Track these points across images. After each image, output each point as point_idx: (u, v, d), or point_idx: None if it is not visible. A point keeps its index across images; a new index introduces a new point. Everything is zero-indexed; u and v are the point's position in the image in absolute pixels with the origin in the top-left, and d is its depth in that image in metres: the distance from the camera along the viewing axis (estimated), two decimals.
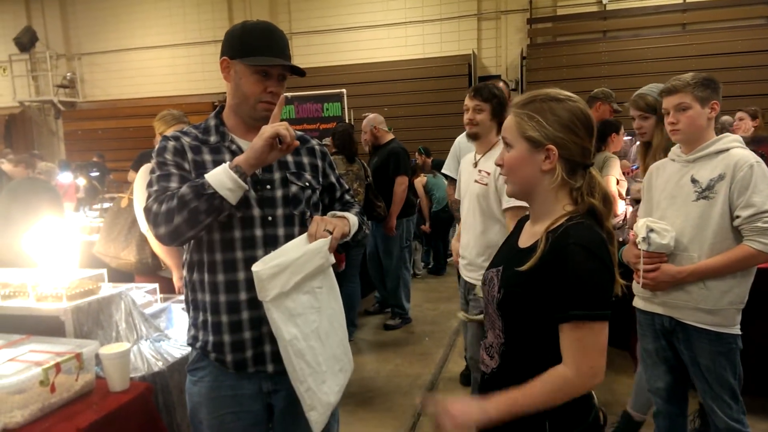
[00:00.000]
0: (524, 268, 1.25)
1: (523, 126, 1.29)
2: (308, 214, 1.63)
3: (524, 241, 1.37)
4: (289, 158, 1.63)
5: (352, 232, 1.63)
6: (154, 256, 2.87)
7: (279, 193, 1.58)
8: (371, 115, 5.02)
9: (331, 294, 1.58)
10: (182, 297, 2.55)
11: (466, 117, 2.67)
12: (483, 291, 1.42)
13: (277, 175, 1.59)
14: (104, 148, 11.44)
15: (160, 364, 1.90)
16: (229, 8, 12.32)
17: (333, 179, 1.75)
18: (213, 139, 1.58)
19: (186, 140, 1.56)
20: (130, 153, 8.72)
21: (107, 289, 1.98)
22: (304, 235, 1.50)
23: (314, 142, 1.75)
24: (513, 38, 10.88)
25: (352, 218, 1.66)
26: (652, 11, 9.98)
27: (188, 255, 1.60)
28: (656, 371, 2.33)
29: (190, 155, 1.54)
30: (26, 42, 13.00)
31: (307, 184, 1.64)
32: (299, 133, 1.72)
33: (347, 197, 1.80)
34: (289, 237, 1.55)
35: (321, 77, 9.90)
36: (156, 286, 2.39)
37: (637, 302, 2.32)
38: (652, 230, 2.10)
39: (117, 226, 2.98)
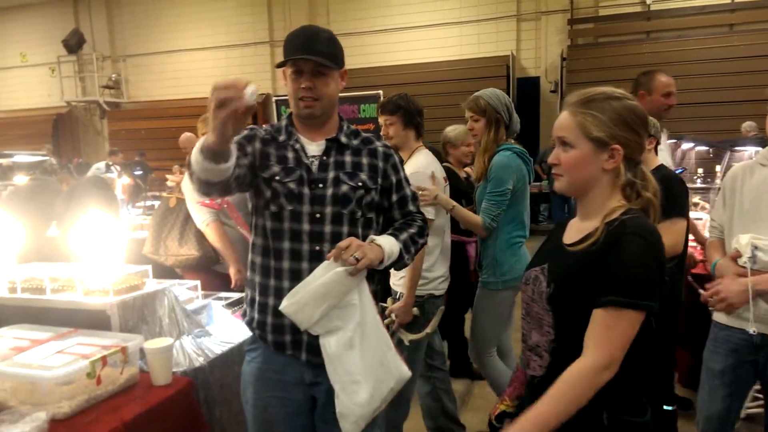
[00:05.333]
0: (577, 248, 1.28)
1: (587, 126, 1.28)
2: (359, 213, 1.65)
3: (571, 237, 1.37)
4: (347, 158, 1.67)
5: (387, 262, 1.58)
6: (214, 249, 2.95)
7: (329, 191, 1.62)
8: None
9: (367, 306, 1.54)
10: (223, 294, 2.62)
11: (382, 133, 2.67)
12: (524, 290, 1.41)
13: (330, 175, 1.64)
14: (147, 147, 11.74)
15: (201, 359, 1.93)
16: (269, 11, 12.49)
17: (394, 181, 1.73)
18: (281, 138, 1.68)
19: (261, 132, 1.68)
20: (171, 153, 8.92)
21: (151, 284, 2.02)
22: (331, 259, 1.48)
23: (379, 144, 1.75)
24: (553, 39, 10.73)
25: (391, 247, 1.59)
26: (698, 11, 9.72)
27: (253, 237, 1.71)
28: (715, 395, 2.15)
29: (258, 144, 1.64)
30: (74, 44, 13.43)
31: (360, 184, 1.65)
32: (366, 135, 1.76)
33: (411, 207, 1.77)
34: (336, 234, 1.60)
35: (358, 78, 9.94)
36: (198, 283, 2.42)
37: (720, 317, 2.15)
38: (756, 248, 1.97)
39: (167, 225, 3.07)
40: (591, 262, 1.24)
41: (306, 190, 1.61)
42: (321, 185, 1.62)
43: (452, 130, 3.83)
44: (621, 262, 1.20)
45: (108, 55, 14.03)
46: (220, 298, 2.54)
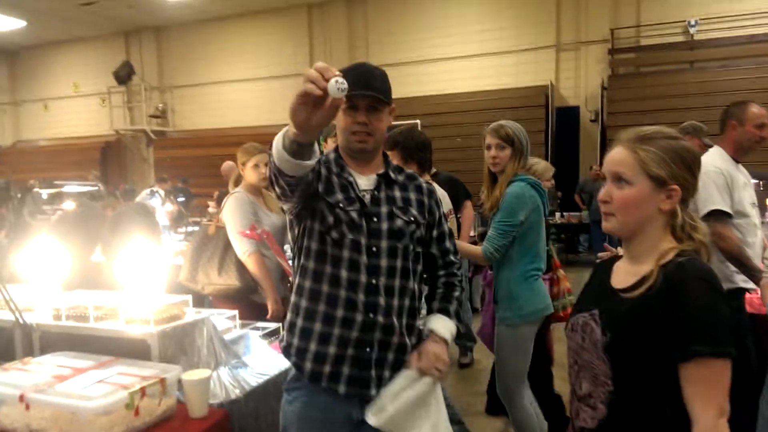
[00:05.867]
0: (632, 294, 1.21)
1: (648, 163, 1.23)
2: (411, 248, 1.67)
3: (621, 281, 1.30)
4: (397, 194, 1.70)
5: (450, 342, 1.71)
6: (254, 279, 2.95)
7: (385, 225, 1.63)
8: None
9: (441, 407, 1.67)
10: (260, 324, 2.62)
11: None
12: (571, 337, 1.34)
13: (384, 209, 1.65)
14: (190, 174, 12.03)
15: (237, 391, 1.92)
16: (310, 44, 12.80)
17: (436, 216, 1.78)
18: (335, 169, 1.68)
19: (322, 158, 1.68)
20: (213, 180, 9.11)
21: (191, 314, 2.03)
22: (414, 371, 1.61)
23: (422, 180, 1.80)
24: (593, 69, 10.66)
25: (451, 331, 1.72)
26: (745, 41, 9.53)
27: (303, 260, 1.67)
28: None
29: (323, 169, 1.64)
30: (123, 75, 14.01)
31: (413, 219, 1.68)
32: (408, 171, 1.80)
33: (448, 244, 1.80)
34: (391, 269, 1.62)
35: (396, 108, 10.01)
36: (236, 312, 2.43)
37: None
38: None
39: (206, 254, 3.05)
40: (652, 310, 1.18)
41: (363, 223, 1.62)
42: (375, 219, 1.63)
43: (537, 163, 3.51)
44: (692, 310, 1.14)
45: (156, 86, 14.56)
46: (257, 328, 2.54)
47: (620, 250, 2.46)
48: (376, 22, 12.16)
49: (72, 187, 7.14)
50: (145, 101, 14.42)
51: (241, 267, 2.95)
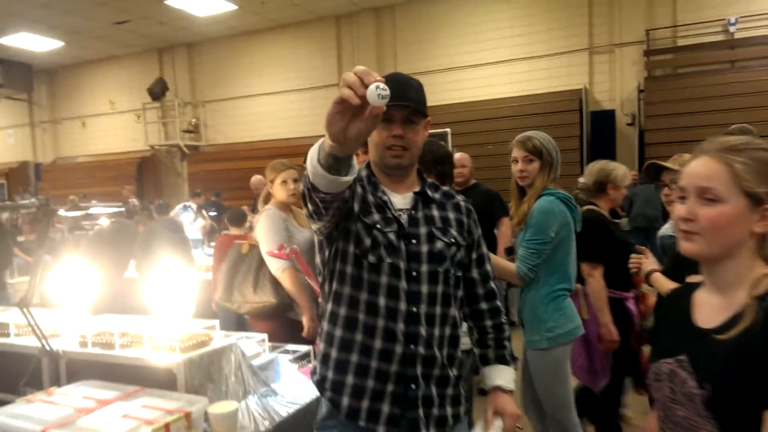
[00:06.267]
0: (728, 336, 1.03)
1: (745, 177, 1.05)
2: (452, 272, 1.55)
3: (709, 318, 1.11)
4: (435, 213, 1.58)
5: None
6: (289, 296, 2.91)
7: (425, 248, 1.51)
8: (464, 154, 4.77)
9: None
10: (290, 347, 2.54)
11: None
12: (657, 388, 1.16)
13: (423, 230, 1.53)
14: (222, 188, 12.14)
15: (266, 423, 1.84)
16: (339, 55, 12.79)
17: (475, 237, 1.66)
18: (368, 187, 1.57)
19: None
20: (245, 192, 9.16)
21: (219, 339, 1.96)
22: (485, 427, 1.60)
23: (459, 197, 1.68)
24: (628, 71, 10.36)
25: (513, 378, 1.68)
26: None
27: (336, 285, 1.54)
28: None
29: (358, 188, 1.52)
30: (157, 91, 14.23)
31: (453, 240, 1.56)
32: (444, 188, 1.68)
33: (488, 267, 1.69)
34: (431, 295, 1.51)
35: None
36: (265, 336, 2.36)
37: None
38: None
39: (240, 272, 3.02)
40: (755, 352, 0.99)
41: (402, 245, 1.50)
42: (414, 241, 1.51)
43: (616, 169, 3.17)
44: None
45: (188, 101, 14.77)
46: (287, 351, 2.46)
47: (648, 254, 2.30)
48: (404, 31, 12.09)
49: (99, 209, 7.22)
50: (179, 116, 14.63)
51: (276, 284, 2.92)
